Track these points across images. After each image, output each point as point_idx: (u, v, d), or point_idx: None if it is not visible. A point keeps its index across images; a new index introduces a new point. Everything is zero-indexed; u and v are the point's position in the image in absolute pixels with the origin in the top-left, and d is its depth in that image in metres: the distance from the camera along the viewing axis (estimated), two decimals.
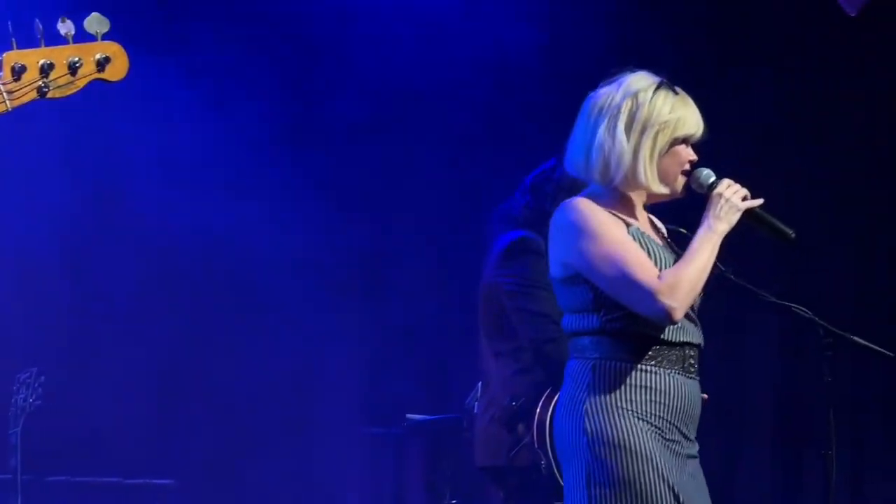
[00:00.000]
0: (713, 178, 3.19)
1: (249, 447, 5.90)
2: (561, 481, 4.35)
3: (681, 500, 3.14)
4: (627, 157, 3.12)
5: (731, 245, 3.62)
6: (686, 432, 3.19)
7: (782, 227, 3.23)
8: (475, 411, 5.07)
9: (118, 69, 2.61)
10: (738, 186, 3.16)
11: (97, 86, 2.61)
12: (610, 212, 3.15)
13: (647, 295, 3.05)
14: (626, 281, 3.07)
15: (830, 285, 5.98)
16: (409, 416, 5.74)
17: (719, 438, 5.80)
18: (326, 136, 6.07)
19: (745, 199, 3.15)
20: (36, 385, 5.21)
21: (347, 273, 6.13)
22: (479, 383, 5.05)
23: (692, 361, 3.20)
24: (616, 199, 3.20)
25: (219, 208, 5.54)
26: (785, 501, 5.69)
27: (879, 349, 4.72)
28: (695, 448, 3.23)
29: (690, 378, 3.19)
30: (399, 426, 5.81)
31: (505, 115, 6.23)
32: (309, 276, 5.93)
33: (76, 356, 5.53)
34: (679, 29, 6.10)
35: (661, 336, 3.13)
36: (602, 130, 3.14)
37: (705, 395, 3.42)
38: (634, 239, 3.14)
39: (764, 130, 6.18)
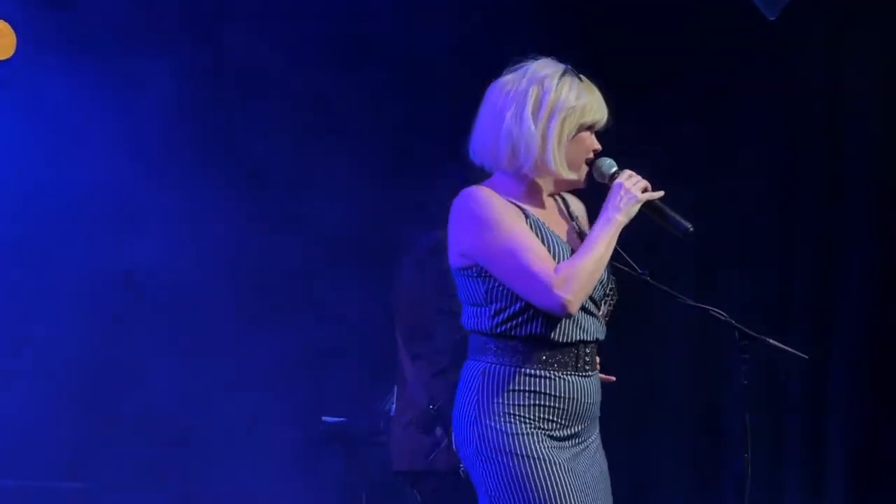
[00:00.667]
0: (615, 169, 3.20)
1: (169, 450, 5.89)
2: None
3: (578, 491, 3.14)
4: (536, 143, 3.11)
5: (648, 247, 3.65)
6: (582, 428, 3.19)
7: (681, 220, 3.22)
8: (391, 414, 5.16)
9: (4, 47, 2.59)
10: (638, 178, 3.17)
11: None
12: (510, 201, 3.14)
13: (543, 287, 3.03)
14: (522, 272, 3.05)
15: (747, 289, 5.99)
16: (324, 418, 5.81)
17: (636, 442, 5.85)
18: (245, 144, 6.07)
19: (645, 190, 3.15)
20: None
21: (267, 279, 6.10)
22: (396, 386, 5.11)
23: (587, 359, 3.18)
24: (521, 187, 3.19)
25: (140, 210, 5.56)
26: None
27: (795, 352, 4.65)
28: (594, 434, 3.23)
29: (585, 376, 3.18)
30: (315, 429, 5.86)
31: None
32: (229, 281, 5.92)
33: None
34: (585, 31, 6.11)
35: (552, 337, 3.12)
36: (509, 117, 3.12)
37: (612, 378, 3.42)
38: (533, 229, 3.13)
39: (676, 133, 6.19)
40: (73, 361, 5.54)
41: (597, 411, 3.26)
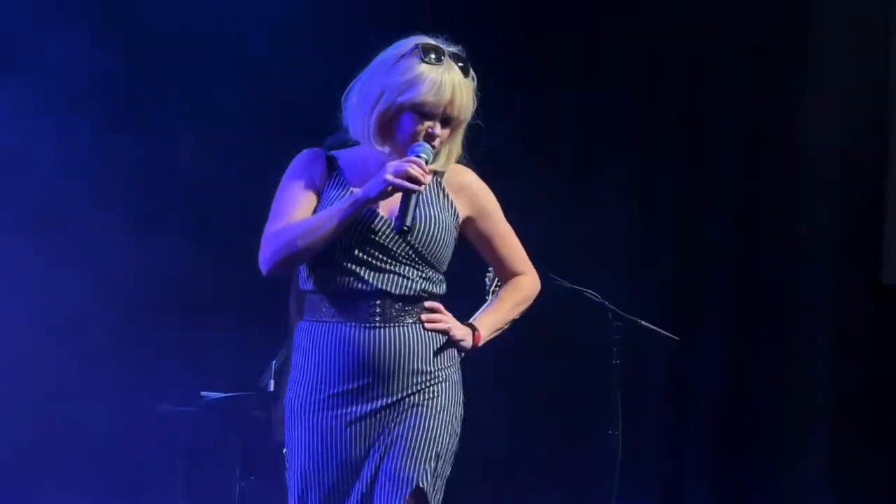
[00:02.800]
0: (424, 155, 3.11)
1: (45, 428, 5.82)
2: None
3: (328, 450, 3.14)
4: (354, 112, 3.17)
5: (531, 231, 3.68)
6: (367, 383, 3.14)
7: (403, 216, 3.10)
8: (269, 390, 5.23)
9: None
10: (410, 165, 3.07)
11: None
12: (337, 161, 3.19)
13: (261, 244, 3.16)
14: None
15: (621, 272, 6.07)
16: (203, 393, 5.73)
17: (508, 417, 5.89)
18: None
19: (407, 178, 3.06)
20: None
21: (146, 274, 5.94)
22: (273, 362, 5.20)
23: (377, 310, 3.14)
24: (364, 154, 3.20)
25: None
26: (573, 480, 5.78)
27: (666, 333, 4.98)
28: (389, 396, 3.15)
29: (374, 327, 3.14)
30: (194, 404, 5.75)
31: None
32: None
33: None
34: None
35: (331, 286, 3.15)
36: (355, 83, 3.19)
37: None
38: (327, 193, 3.17)
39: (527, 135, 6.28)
40: None
41: (393, 361, 3.17)
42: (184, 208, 6.06)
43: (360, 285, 3.14)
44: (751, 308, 6.34)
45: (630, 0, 6.28)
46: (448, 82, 3.10)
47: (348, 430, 3.15)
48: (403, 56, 3.13)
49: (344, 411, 3.17)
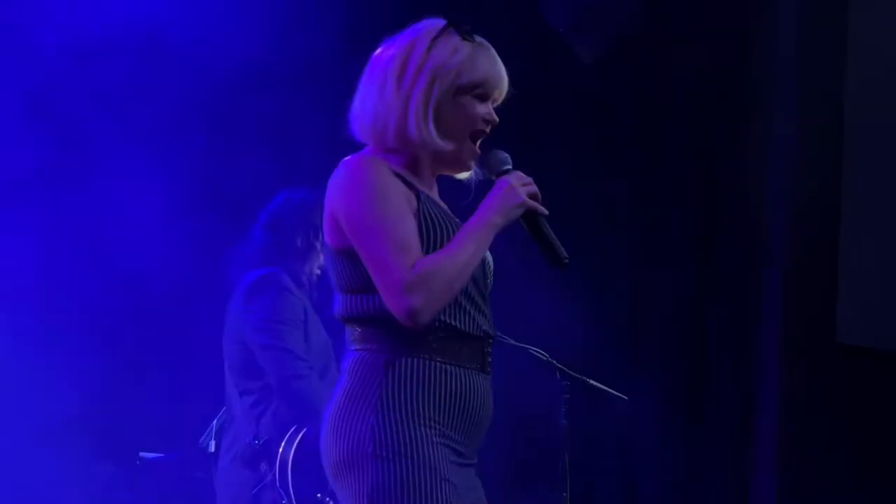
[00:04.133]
0: (508, 165, 2.85)
1: None
2: None
3: None
4: (398, 110, 2.78)
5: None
6: (475, 442, 2.88)
7: (559, 246, 2.85)
8: (210, 450, 5.13)
9: None
10: (530, 181, 2.81)
11: None
12: (398, 174, 2.78)
13: (394, 287, 2.68)
14: (379, 262, 2.70)
15: (566, 328, 5.99)
16: (142, 454, 5.66)
17: None
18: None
19: (533, 197, 2.79)
20: None
21: (77, 301, 5.91)
22: (214, 420, 5.14)
23: (489, 358, 2.86)
24: (404, 162, 2.84)
25: None
26: None
27: (614, 392, 4.93)
28: (476, 457, 2.91)
29: (487, 376, 2.86)
30: (132, 465, 5.70)
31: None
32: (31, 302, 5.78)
33: None
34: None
35: (458, 325, 2.78)
36: (376, 85, 2.81)
37: None
38: (424, 211, 2.78)
39: None
40: None
41: (489, 420, 2.95)
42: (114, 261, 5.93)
43: (467, 325, 2.81)
44: (704, 366, 6.41)
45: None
46: (498, 60, 2.85)
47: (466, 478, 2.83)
48: (439, 37, 2.81)
49: (463, 468, 2.83)
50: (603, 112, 6.41)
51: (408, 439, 2.69)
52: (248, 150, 6.04)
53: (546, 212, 2.78)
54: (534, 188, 2.76)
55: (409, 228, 2.68)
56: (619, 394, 4.94)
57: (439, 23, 2.80)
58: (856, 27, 6.26)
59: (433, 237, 2.70)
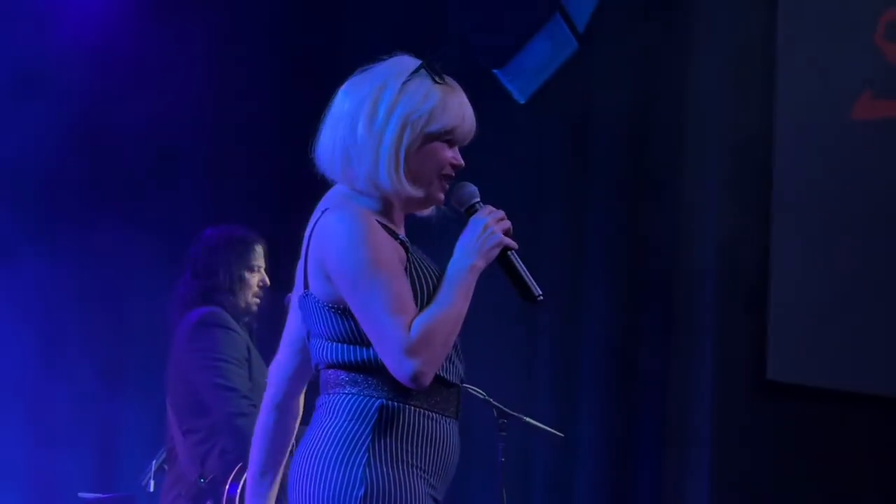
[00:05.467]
0: (477, 199, 2.81)
1: None
2: None
3: None
4: (369, 154, 2.72)
5: None
6: (446, 487, 2.84)
7: (532, 283, 2.80)
8: (149, 490, 5.14)
9: None
10: (501, 214, 2.79)
11: None
12: (382, 224, 2.75)
13: (395, 350, 2.66)
14: (377, 325, 2.67)
15: (500, 363, 6.00)
16: (80, 494, 5.54)
17: None
18: None
19: (506, 233, 2.77)
20: None
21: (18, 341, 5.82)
22: (153, 461, 5.14)
23: (459, 405, 2.83)
24: (375, 207, 2.79)
25: None
26: None
27: (551, 430, 4.98)
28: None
29: (457, 422, 2.83)
30: None
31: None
32: None
33: None
34: None
35: (443, 375, 2.76)
36: (345, 122, 2.76)
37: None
38: (411, 265, 2.75)
39: None
40: None
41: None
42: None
43: (450, 374, 2.78)
44: (633, 404, 6.38)
45: None
46: (467, 104, 2.80)
47: None
48: (410, 80, 2.76)
49: None
50: (533, 148, 6.42)
51: (399, 486, 2.67)
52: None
53: (516, 245, 2.75)
54: (507, 223, 2.74)
55: (404, 289, 2.65)
56: (555, 431, 4.99)
57: (411, 63, 2.76)
58: (784, 69, 6.29)
59: (423, 290, 2.68)
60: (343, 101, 2.73)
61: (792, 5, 6.29)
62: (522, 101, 6.03)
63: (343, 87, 2.76)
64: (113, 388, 5.82)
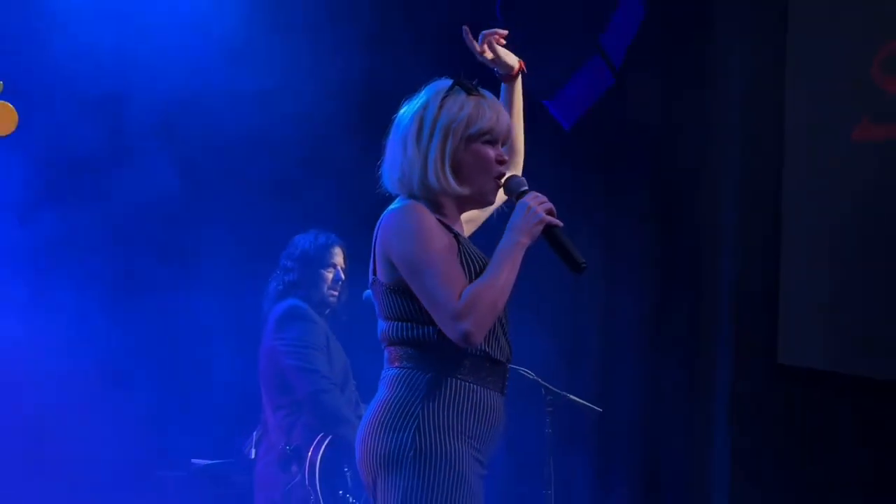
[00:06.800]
0: (525, 187, 2.91)
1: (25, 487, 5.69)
2: None
3: None
4: (420, 163, 2.85)
5: None
6: (491, 454, 2.93)
7: (576, 253, 2.89)
8: (251, 457, 5.44)
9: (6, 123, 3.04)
10: (544, 198, 2.88)
11: None
12: (438, 217, 2.86)
13: (447, 316, 2.74)
14: (432, 299, 2.76)
15: (545, 346, 6.07)
16: (193, 460, 5.98)
17: None
18: None
19: (549, 213, 2.85)
20: None
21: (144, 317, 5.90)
22: (254, 432, 5.44)
23: (506, 381, 2.92)
24: (430, 207, 2.88)
25: None
26: None
27: (590, 405, 5.15)
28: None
29: (504, 398, 2.91)
30: (184, 469, 6.00)
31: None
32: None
33: None
34: None
35: (490, 352, 2.84)
36: (397, 143, 2.90)
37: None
38: (462, 249, 2.86)
39: None
40: None
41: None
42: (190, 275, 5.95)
43: (498, 353, 2.88)
44: (660, 385, 6.54)
45: None
46: (500, 107, 2.93)
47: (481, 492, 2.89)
48: (447, 97, 2.89)
49: (482, 479, 2.91)
50: (579, 163, 6.49)
51: (444, 450, 2.77)
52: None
53: (561, 223, 2.84)
54: (549, 205, 2.83)
55: (454, 268, 2.75)
56: (594, 406, 5.18)
57: (446, 83, 2.91)
58: (791, 99, 6.25)
59: (472, 271, 2.78)
60: (396, 130, 2.90)
61: (798, 44, 6.23)
62: (567, 129, 6.11)
63: (395, 118, 2.93)
64: (222, 369, 5.98)
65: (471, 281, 2.76)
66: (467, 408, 2.81)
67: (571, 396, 5.06)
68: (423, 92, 2.92)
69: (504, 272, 2.77)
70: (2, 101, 2.89)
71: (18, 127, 3.05)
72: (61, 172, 5.60)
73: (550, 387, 5.01)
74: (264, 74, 5.96)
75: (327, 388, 5.14)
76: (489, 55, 3.09)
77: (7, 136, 2.95)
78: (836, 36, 6.22)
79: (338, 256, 5.35)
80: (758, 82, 6.30)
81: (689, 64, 6.43)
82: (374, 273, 2.87)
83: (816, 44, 6.24)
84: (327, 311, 5.30)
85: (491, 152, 2.87)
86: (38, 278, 5.63)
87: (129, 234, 5.95)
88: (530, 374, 4.96)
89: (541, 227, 2.80)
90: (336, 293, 5.31)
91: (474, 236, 3.11)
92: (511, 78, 3.17)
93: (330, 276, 5.31)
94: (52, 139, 5.61)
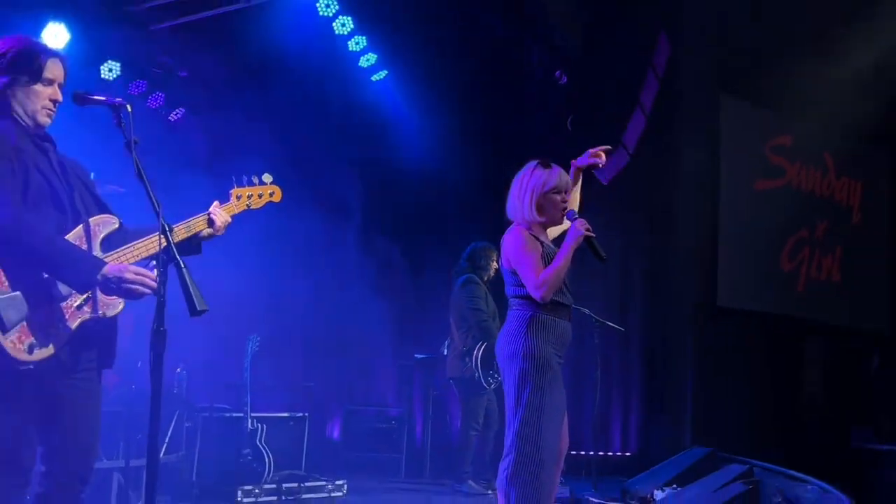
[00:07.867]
0: (576, 216, 4.04)
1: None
2: (486, 385, 7.09)
3: (562, 395, 4.03)
4: (524, 207, 4.08)
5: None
6: (564, 353, 4.04)
7: (600, 251, 3.96)
8: (445, 353, 7.57)
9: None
10: (585, 223, 3.98)
11: None
12: (532, 234, 4.03)
13: (532, 287, 3.93)
14: (525, 276, 3.95)
15: (599, 293, 8.20)
16: (416, 355, 8.44)
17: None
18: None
19: (587, 230, 3.95)
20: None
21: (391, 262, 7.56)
22: (447, 341, 7.54)
23: (571, 314, 4.08)
24: (528, 227, 4.04)
25: None
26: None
27: (618, 327, 6.87)
28: None
29: (570, 323, 4.07)
30: (412, 359, 8.40)
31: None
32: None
33: None
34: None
35: (560, 300, 4.00)
36: (514, 193, 4.14)
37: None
38: (543, 254, 3.96)
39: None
40: None
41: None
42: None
43: (565, 299, 4.03)
44: (659, 319, 8.49)
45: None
46: (564, 174, 4.08)
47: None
48: (534, 172, 4.06)
49: (559, 364, 4.01)
50: (617, 213, 8.06)
51: (538, 351, 3.99)
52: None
53: (594, 235, 3.99)
54: (588, 225, 4.02)
55: (536, 260, 4.01)
56: (618, 326, 6.87)
57: (533, 163, 4.19)
58: (725, 170, 8.27)
59: (548, 262, 4.07)
60: (513, 186, 4.28)
61: (727, 143, 8.39)
62: (606, 183, 7.96)
63: (514, 179, 4.28)
64: (426, 309, 7.89)
65: (545, 266, 4.06)
66: (551, 329, 4.04)
67: (609, 323, 6.83)
68: (525, 167, 4.27)
69: (562, 261, 4.04)
70: None
71: None
72: None
73: (596, 317, 6.68)
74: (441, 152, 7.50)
75: (487, 319, 7.05)
76: (602, 162, 4.26)
77: None
78: (745, 134, 8.62)
79: (492, 252, 7.33)
80: (705, 164, 8.62)
81: (672, 147, 8.49)
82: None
83: (735, 142, 8.65)
84: (486, 280, 7.41)
85: (558, 198, 4.17)
86: None
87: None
88: (585, 311, 6.51)
89: (583, 238, 4.06)
90: (491, 274, 7.37)
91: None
92: (587, 168, 4.35)
93: (493, 267, 7.28)
94: None
